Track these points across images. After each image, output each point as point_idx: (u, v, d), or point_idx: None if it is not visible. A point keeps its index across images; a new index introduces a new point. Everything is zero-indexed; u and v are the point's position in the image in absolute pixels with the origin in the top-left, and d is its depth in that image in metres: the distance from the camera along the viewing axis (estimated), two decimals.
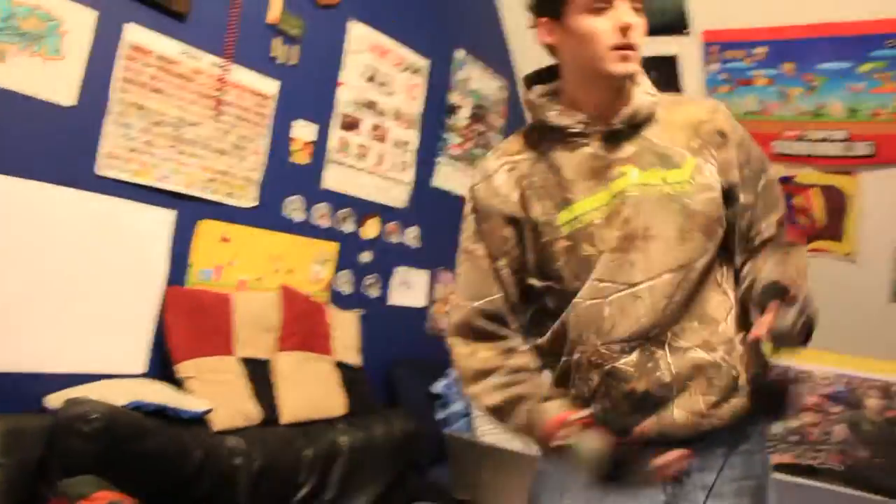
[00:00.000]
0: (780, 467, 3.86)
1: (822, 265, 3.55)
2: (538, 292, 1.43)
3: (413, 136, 2.91)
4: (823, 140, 3.16)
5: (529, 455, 2.63)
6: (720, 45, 3.11)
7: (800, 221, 3.47)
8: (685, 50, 3.19)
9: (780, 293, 1.27)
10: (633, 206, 1.37)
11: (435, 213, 3.09)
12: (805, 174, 3.32)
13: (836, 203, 3.35)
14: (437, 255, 3.13)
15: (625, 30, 1.35)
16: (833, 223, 3.42)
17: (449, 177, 3.14)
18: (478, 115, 3.27)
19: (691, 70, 3.23)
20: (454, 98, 3.11)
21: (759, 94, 3.15)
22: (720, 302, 1.39)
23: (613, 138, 1.41)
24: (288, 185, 2.47)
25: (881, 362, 3.69)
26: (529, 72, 1.52)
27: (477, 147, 3.28)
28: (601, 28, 1.35)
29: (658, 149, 1.41)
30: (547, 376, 1.46)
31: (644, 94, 1.43)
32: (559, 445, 1.32)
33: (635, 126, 1.42)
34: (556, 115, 1.43)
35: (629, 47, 1.36)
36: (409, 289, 2.99)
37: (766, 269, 1.37)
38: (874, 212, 3.30)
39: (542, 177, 1.42)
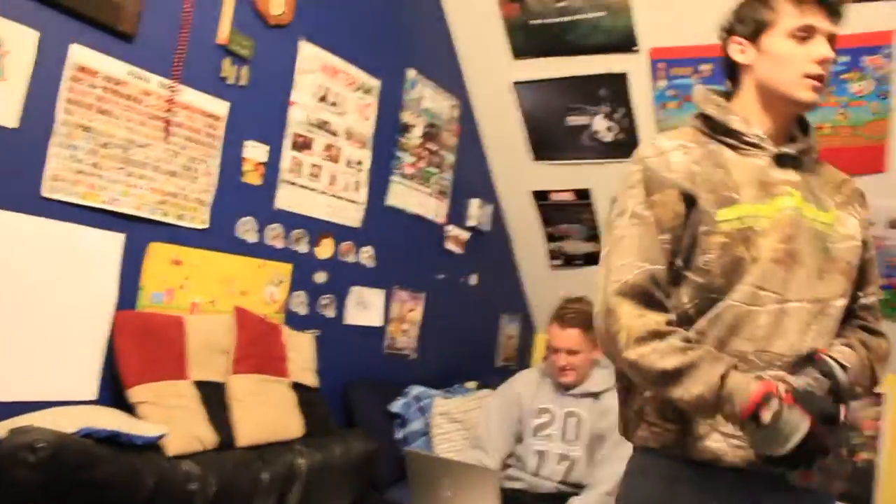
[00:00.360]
0: None
1: None
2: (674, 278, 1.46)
3: (366, 156, 2.91)
4: None
5: (487, 470, 2.63)
6: (668, 63, 3.16)
7: None
8: (634, 67, 3.23)
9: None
10: (796, 226, 1.44)
11: (389, 232, 3.09)
12: None
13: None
14: (392, 274, 3.13)
15: (821, 62, 1.44)
16: None
17: (402, 195, 3.14)
18: (430, 134, 3.28)
19: (641, 87, 3.28)
20: (406, 117, 3.12)
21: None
22: None
23: (782, 162, 1.49)
24: (240, 207, 2.45)
25: None
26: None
27: (430, 165, 3.29)
28: (800, 55, 1.45)
29: (813, 189, 1.50)
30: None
31: (816, 134, 1.56)
32: (762, 416, 1.28)
33: (801, 160, 1.51)
34: (738, 121, 1.50)
35: (821, 78, 1.45)
36: (365, 308, 2.98)
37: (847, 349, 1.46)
38: None
39: (710, 170, 1.47)
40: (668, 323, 1.40)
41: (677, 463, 1.45)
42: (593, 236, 3.90)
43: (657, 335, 1.38)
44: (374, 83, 2.94)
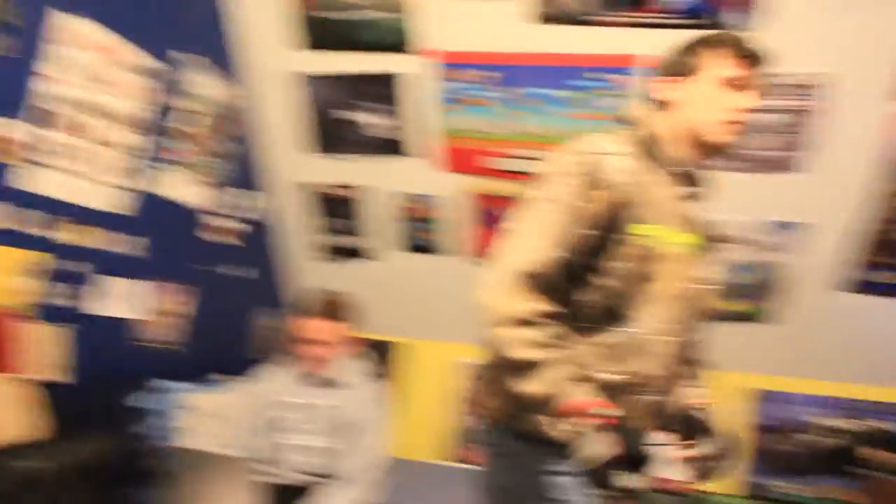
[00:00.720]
0: None
1: None
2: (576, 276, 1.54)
3: (137, 141, 2.72)
4: (536, 158, 3.43)
5: (240, 460, 2.61)
6: (448, 66, 3.25)
7: None
8: (413, 68, 3.30)
9: None
10: (697, 264, 1.66)
11: (160, 222, 2.91)
12: (519, 190, 3.55)
13: None
14: (159, 264, 2.95)
15: (743, 111, 1.60)
16: None
17: (174, 184, 2.97)
18: (206, 122, 3.13)
19: (421, 88, 3.35)
20: (181, 102, 2.95)
21: (483, 113, 3.34)
22: None
23: (691, 196, 1.67)
24: None
25: None
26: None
27: (204, 154, 3.14)
28: (722, 101, 1.61)
29: (699, 217, 1.70)
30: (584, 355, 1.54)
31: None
32: (569, 429, 1.42)
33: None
34: (673, 154, 1.64)
35: (740, 124, 1.63)
36: (127, 301, 2.78)
37: None
38: None
39: (642, 185, 1.57)
40: (546, 315, 1.49)
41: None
42: (364, 231, 3.93)
43: (525, 323, 1.48)
44: (148, 64, 2.75)
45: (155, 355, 3.06)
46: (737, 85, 1.64)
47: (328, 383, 2.86)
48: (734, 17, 2.93)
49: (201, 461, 2.57)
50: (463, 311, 4.04)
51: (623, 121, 1.74)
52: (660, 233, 1.57)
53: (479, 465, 1.77)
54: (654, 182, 1.62)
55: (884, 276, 3.45)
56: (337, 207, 3.88)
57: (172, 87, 2.91)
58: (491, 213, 3.68)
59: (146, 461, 2.76)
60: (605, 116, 3.22)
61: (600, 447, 1.39)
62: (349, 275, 4.10)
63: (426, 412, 4.24)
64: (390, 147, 3.56)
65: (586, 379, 1.51)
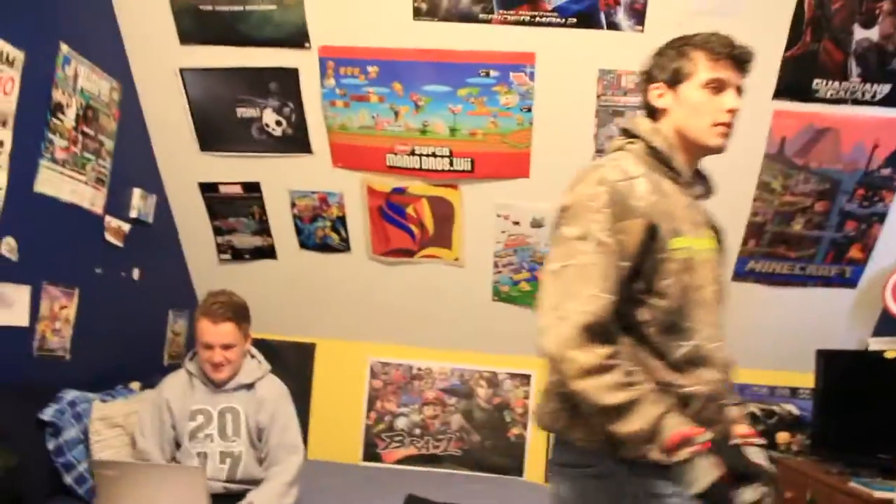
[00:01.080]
0: (407, 460, 4.14)
1: (434, 271, 3.87)
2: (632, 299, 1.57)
3: (6, 136, 2.61)
4: (432, 155, 3.44)
5: (194, 469, 2.53)
6: (336, 61, 3.24)
7: (413, 230, 3.74)
8: (305, 63, 3.28)
9: None
10: (720, 266, 1.73)
11: (37, 222, 2.79)
12: (416, 186, 3.59)
13: (444, 212, 3.66)
14: (40, 267, 2.84)
15: (730, 112, 1.66)
16: (442, 231, 3.74)
17: (53, 182, 2.86)
18: (87, 117, 3.03)
19: (311, 84, 3.33)
20: (58, 96, 2.84)
21: (371, 109, 3.34)
22: None
23: (699, 199, 1.74)
24: None
25: (488, 355, 4.13)
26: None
27: (86, 151, 3.04)
28: (712, 105, 1.65)
29: (708, 217, 1.76)
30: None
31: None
32: (678, 460, 1.43)
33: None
34: (680, 162, 1.68)
35: (729, 126, 1.67)
36: (7, 307, 2.67)
37: None
38: (475, 221, 3.67)
39: (662, 200, 1.59)
40: (613, 355, 1.49)
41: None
42: (262, 230, 3.89)
43: (602, 369, 1.47)
44: (18, 54, 2.63)
45: (58, 365, 2.96)
46: (722, 87, 1.66)
47: (232, 385, 2.80)
48: (625, 19, 3.02)
49: (150, 472, 2.48)
50: (368, 309, 4.08)
51: (629, 134, 1.75)
52: (692, 241, 1.61)
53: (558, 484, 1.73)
54: (672, 192, 1.65)
55: (770, 266, 3.61)
56: (235, 206, 3.83)
57: (47, 81, 2.81)
58: (388, 209, 3.69)
59: (49, 478, 2.67)
60: (501, 114, 3.28)
61: (710, 470, 1.42)
62: (252, 275, 4.05)
63: (337, 413, 4.22)
64: (285, 144, 3.52)
65: (675, 401, 1.53)
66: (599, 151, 3.33)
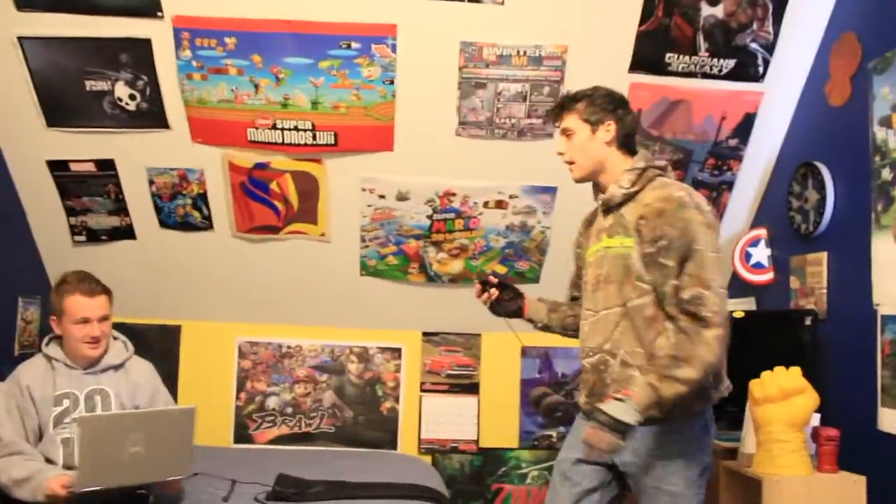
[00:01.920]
0: (279, 439, 4.10)
1: (300, 247, 3.84)
2: None
3: None
4: (294, 129, 3.40)
5: (183, 410, 2.49)
6: (191, 32, 3.14)
7: (278, 206, 3.69)
8: (158, 34, 3.16)
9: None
10: (601, 260, 2.22)
11: None
12: (279, 161, 3.54)
13: (309, 187, 3.63)
14: None
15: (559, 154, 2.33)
16: (307, 207, 3.71)
17: None
18: None
19: (165, 55, 3.21)
20: None
21: (230, 83, 3.27)
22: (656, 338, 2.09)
23: (604, 213, 2.27)
24: None
25: (358, 330, 4.14)
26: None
27: None
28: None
29: (624, 221, 2.15)
30: None
31: (617, 187, 2.18)
32: None
33: (613, 207, 2.21)
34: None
35: (569, 161, 2.29)
36: None
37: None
38: (340, 195, 3.65)
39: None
40: None
41: None
42: (119, 209, 3.73)
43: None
44: None
45: None
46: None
47: (100, 366, 2.69)
48: None
49: (136, 420, 2.45)
50: (234, 288, 4.00)
51: (655, 167, 2.21)
52: (587, 250, 2.40)
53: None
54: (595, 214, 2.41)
55: None
56: (89, 185, 3.66)
57: None
58: (251, 184, 3.62)
59: None
60: (364, 86, 3.27)
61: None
62: (111, 257, 3.89)
63: (206, 396, 4.12)
64: (140, 119, 3.39)
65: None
66: (462, 124, 3.39)
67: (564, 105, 2.26)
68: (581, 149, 2.23)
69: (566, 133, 2.25)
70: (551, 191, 3.63)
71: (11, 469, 2.45)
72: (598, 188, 2.29)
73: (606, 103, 2.23)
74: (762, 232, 3.57)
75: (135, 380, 2.75)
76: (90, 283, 2.69)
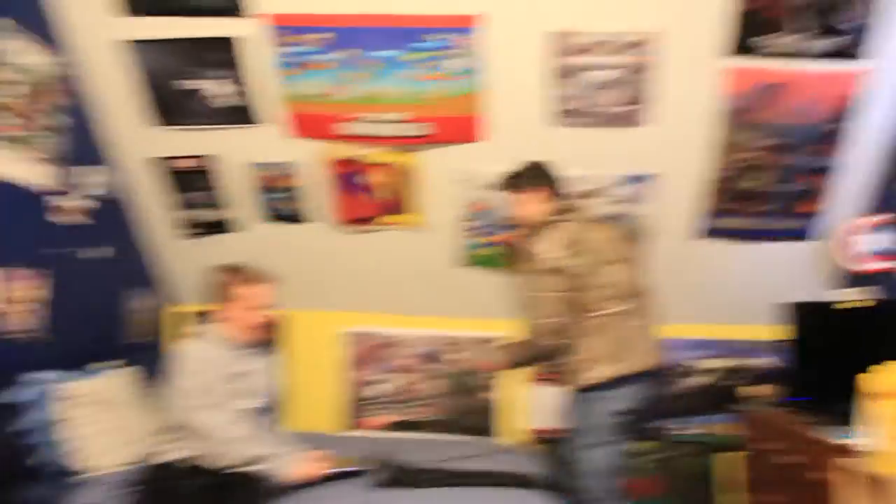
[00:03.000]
0: (387, 427, 4.16)
1: (399, 238, 3.84)
2: None
3: None
4: (388, 121, 3.39)
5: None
6: (286, 29, 3.17)
7: (375, 197, 3.69)
8: (250, 32, 3.20)
9: None
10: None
11: None
12: (375, 153, 3.54)
13: (404, 179, 3.62)
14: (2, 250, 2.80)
15: None
16: (403, 198, 3.69)
17: (5, 162, 2.79)
18: (33, 94, 2.95)
19: (257, 52, 3.24)
20: (4, 73, 2.77)
21: (325, 77, 3.28)
22: None
23: None
24: None
25: (460, 319, 4.13)
26: None
27: (35, 129, 2.96)
28: None
29: None
30: None
31: None
32: None
33: None
34: None
35: None
36: None
37: None
38: (436, 186, 3.63)
39: None
40: None
41: None
42: (221, 204, 3.83)
43: None
44: None
45: (20, 347, 2.92)
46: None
47: (260, 349, 3.05)
48: None
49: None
50: (337, 278, 4.05)
51: None
52: None
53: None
54: None
55: (731, 222, 3.60)
56: (192, 181, 3.76)
57: None
58: (348, 178, 3.64)
59: (28, 458, 2.67)
60: (450, 77, 3.22)
61: None
62: (213, 250, 3.99)
63: (314, 384, 4.21)
64: (238, 115, 3.45)
65: None
66: (557, 112, 3.31)
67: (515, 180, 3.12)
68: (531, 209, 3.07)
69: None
70: (650, 179, 3.50)
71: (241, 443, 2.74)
72: None
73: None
74: (887, 217, 3.33)
75: (269, 362, 3.09)
76: (257, 272, 3.03)
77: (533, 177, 3.08)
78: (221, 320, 2.97)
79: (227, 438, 2.73)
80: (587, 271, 2.85)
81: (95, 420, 2.92)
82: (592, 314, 2.87)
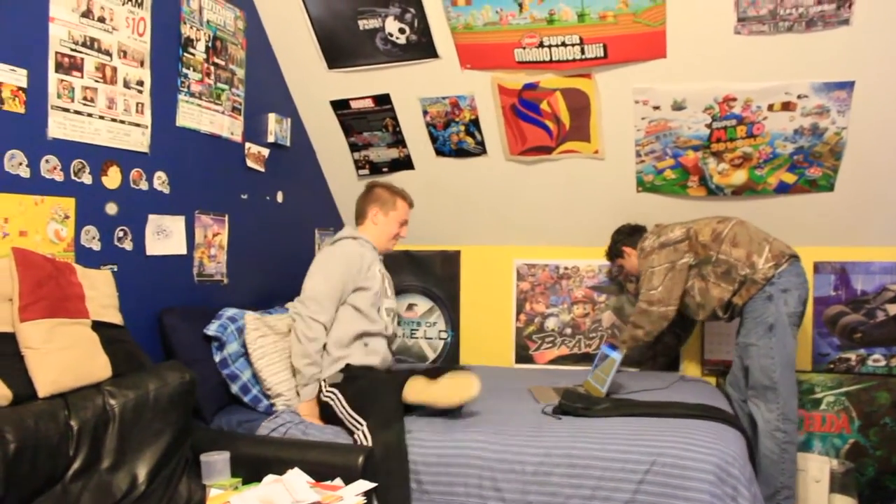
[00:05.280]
0: (559, 360, 4.13)
1: (574, 166, 3.76)
2: None
3: (146, 75, 2.69)
4: (562, 45, 3.29)
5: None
6: None
7: (549, 125, 3.62)
8: None
9: None
10: None
11: (183, 155, 2.91)
12: (548, 79, 3.45)
13: (580, 104, 3.52)
14: (191, 198, 2.97)
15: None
16: (579, 124, 3.60)
17: (192, 115, 2.95)
18: (216, 48, 3.08)
19: None
20: (187, 31, 2.91)
21: (495, 4, 3.21)
22: None
23: None
24: (4, 139, 2.20)
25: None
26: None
27: (219, 82, 3.11)
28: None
29: None
30: None
31: None
32: None
33: None
34: None
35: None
36: (166, 237, 2.81)
37: None
38: (612, 110, 3.50)
39: None
40: None
41: None
42: (397, 142, 3.89)
43: None
44: None
45: (213, 289, 3.13)
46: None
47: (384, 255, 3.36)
48: None
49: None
50: (510, 211, 4.03)
51: None
52: None
53: None
54: None
55: None
56: (368, 121, 3.83)
57: (175, 17, 2.86)
58: (521, 106, 3.58)
59: (221, 390, 2.86)
60: None
61: None
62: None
63: (487, 318, 4.25)
64: (411, 51, 3.46)
65: None
66: (742, 20, 3.07)
67: None
68: None
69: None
70: (847, 86, 3.21)
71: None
72: None
73: None
74: None
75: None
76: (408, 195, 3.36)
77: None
78: (372, 227, 3.24)
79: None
80: None
81: (279, 347, 3.05)
82: None
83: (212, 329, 2.86)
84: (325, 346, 2.93)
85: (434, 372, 2.77)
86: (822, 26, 3.03)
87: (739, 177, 3.59)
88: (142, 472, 2.11)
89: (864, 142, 3.33)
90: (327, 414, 2.78)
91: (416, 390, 2.67)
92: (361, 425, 2.60)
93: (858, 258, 3.75)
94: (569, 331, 4.19)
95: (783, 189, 3.57)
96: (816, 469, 3.45)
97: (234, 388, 2.88)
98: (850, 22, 2.98)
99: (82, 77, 2.42)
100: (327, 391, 2.83)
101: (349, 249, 3.07)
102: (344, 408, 2.71)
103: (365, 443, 2.53)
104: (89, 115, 2.45)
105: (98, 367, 2.18)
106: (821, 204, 3.58)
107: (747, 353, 3.20)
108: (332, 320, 2.95)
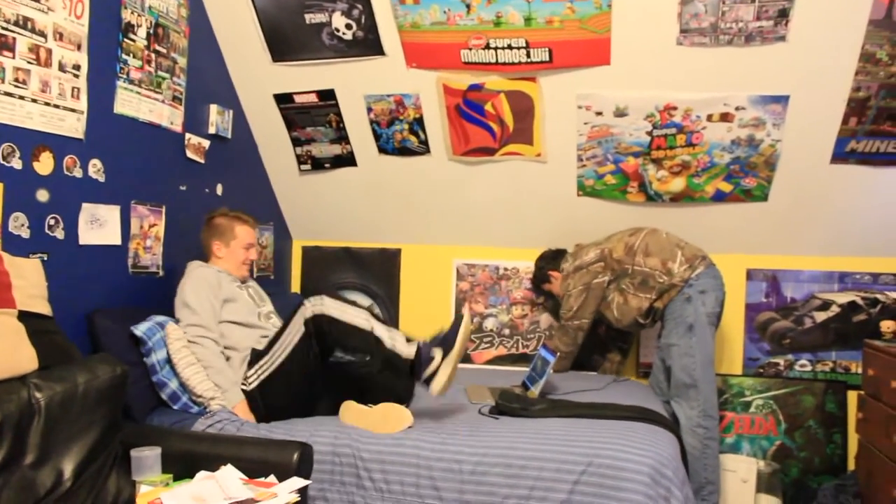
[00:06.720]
0: (497, 360, 4.15)
1: (516, 168, 3.78)
2: None
3: (83, 59, 2.61)
4: (508, 47, 3.30)
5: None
6: None
7: (493, 127, 3.64)
8: None
9: None
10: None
11: (120, 143, 2.82)
12: (493, 81, 3.47)
13: (524, 107, 3.54)
14: (127, 188, 2.89)
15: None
16: (522, 127, 3.63)
17: (131, 102, 2.87)
18: (157, 35, 3.01)
19: None
20: (128, 16, 2.83)
21: (442, 4, 3.21)
22: None
23: None
24: None
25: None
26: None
27: (160, 70, 3.03)
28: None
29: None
30: None
31: None
32: None
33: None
34: None
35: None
36: (100, 227, 2.73)
37: None
38: (555, 114, 3.54)
39: None
40: None
41: None
42: (340, 138, 3.85)
43: None
44: None
45: (148, 281, 3.05)
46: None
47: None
48: None
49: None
50: (452, 211, 4.03)
51: None
52: None
53: None
54: None
55: (872, 145, 3.38)
56: (312, 116, 3.79)
57: (115, 1, 2.78)
58: (466, 106, 3.58)
59: (152, 391, 2.77)
60: None
61: None
62: (333, 184, 4.05)
63: (426, 317, 4.24)
64: (357, 48, 3.43)
65: None
66: (684, 31, 3.14)
67: None
68: None
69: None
70: (782, 100, 3.31)
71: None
72: None
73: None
74: None
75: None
76: (250, 217, 3.22)
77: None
78: (218, 261, 3.13)
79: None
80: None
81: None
82: None
83: (139, 329, 2.74)
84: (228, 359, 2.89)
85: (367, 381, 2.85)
86: (760, 41, 3.11)
87: (678, 184, 3.66)
88: (68, 468, 2.04)
89: (796, 154, 3.44)
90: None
91: (353, 416, 2.68)
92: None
93: (789, 266, 3.86)
94: (507, 331, 4.22)
95: (720, 197, 3.65)
96: (745, 470, 3.55)
97: (164, 396, 2.77)
98: (787, 38, 3.07)
99: (14, 58, 2.33)
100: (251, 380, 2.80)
101: (200, 272, 3.00)
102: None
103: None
104: (21, 97, 2.36)
105: (23, 358, 2.09)
106: (755, 213, 3.68)
107: (669, 353, 3.31)
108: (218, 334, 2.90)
